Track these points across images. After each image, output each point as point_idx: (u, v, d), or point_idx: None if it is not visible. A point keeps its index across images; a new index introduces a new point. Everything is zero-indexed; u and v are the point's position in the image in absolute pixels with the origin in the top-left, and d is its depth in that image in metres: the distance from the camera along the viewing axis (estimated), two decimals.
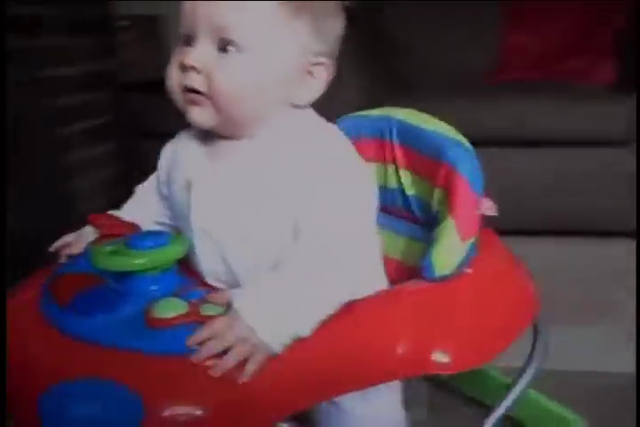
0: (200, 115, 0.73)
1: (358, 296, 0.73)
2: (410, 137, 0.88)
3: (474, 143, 0.84)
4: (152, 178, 0.90)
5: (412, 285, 0.78)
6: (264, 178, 0.74)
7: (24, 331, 0.71)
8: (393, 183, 0.91)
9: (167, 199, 0.86)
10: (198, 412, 0.61)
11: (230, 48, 0.71)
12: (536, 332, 0.91)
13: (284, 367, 0.66)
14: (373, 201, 0.77)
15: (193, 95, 0.72)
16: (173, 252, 0.74)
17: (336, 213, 0.71)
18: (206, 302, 0.69)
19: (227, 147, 0.77)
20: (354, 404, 0.80)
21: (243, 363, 0.64)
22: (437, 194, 0.83)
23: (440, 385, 1.22)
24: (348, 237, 0.71)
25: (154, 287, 0.72)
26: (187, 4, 0.73)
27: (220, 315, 0.66)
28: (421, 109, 0.93)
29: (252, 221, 0.74)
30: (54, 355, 0.67)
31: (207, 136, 0.79)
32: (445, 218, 0.78)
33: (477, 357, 0.77)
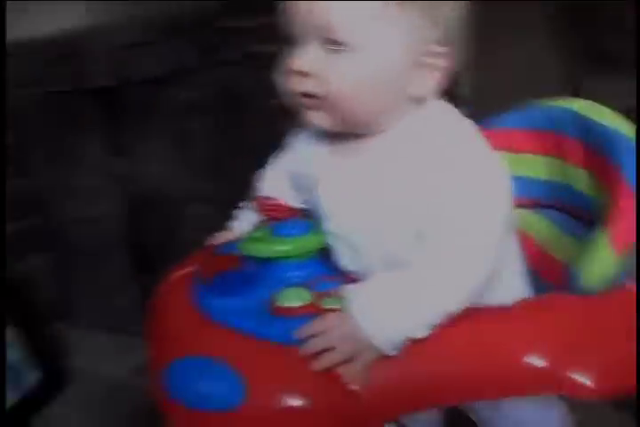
0: (318, 118, 0.72)
1: (486, 300, 0.70)
2: (585, 131, 0.81)
3: None
4: (278, 167, 0.90)
5: (559, 296, 0.73)
6: (392, 175, 0.72)
7: (169, 304, 0.78)
8: (558, 177, 0.86)
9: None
10: (299, 403, 0.63)
11: (339, 48, 0.68)
12: None
13: (397, 368, 0.65)
14: (506, 200, 0.71)
15: (307, 100, 0.70)
16: (314, 241, 0.75)
17: (466, 215, 0.68)
18: (330, 295, 0.70)
19: (353, 144, 0.75)
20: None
21: (349, 362, 0.64)
22: (602, 196, 0.77)
23: None
24: (477, 241, 0.68)
25: (291, 274, 0.74)
26: (287, 5, 0.70)
27: (337, 310, 0.67)
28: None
29: (381, 218, 0.73)
30: (185, 330, 0.72)
31: (329, 133, 0.77)
32: (602, 226, 0.72)
33: (626, 384, 0.70)
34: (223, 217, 1.45)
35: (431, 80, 0.72)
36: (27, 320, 1.25)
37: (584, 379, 0.67)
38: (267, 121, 1.78)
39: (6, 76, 1.27)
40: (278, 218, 0.83)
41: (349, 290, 0.68)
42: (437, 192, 0.69)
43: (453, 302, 0.67)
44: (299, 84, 0.70)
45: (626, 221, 0.71)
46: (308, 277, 0.74)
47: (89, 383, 1.26)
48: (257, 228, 0.82)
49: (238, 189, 1.55)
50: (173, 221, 1.51)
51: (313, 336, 0.65)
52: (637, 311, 0.68)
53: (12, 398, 1.15)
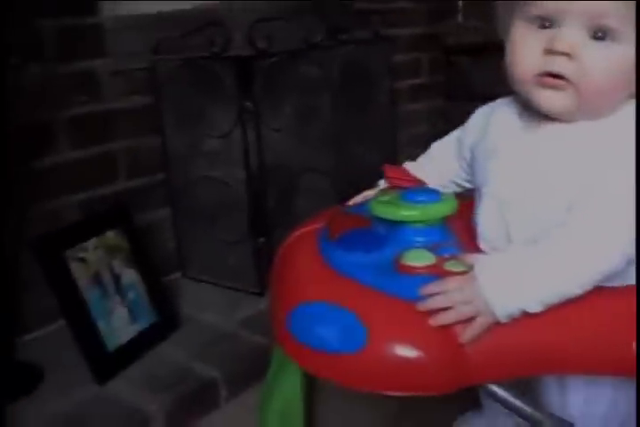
0: (557, 100, 0.72)
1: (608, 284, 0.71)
2: None
3: None
4: (451, 138, 0.93)
5: None
6: (572, 161, 0.73)
7: (297, 254, 0.84)
8: None
9: (466, 160, 0.89)
10: (414, 353, 0.67)
11: (605, 36, 0.69)
12: None
13: (509, 333, 0.69)
14: None
15: (555, 80, 0.71)
16: (441, 209, 0.79)
17: (612, 206, 0.69)
18: (454, 259, 0.74)
19: (550, 126, 0.76)
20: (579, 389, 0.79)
21: (466, 323, 0.68)
22: None
23: None
24: (614, 231, 0.69)
25: (416, 239, 0.78)
26: None
27: (461, 273, 0.71)
28: None
29: (543, 196, 0.75)
30: (310, 279, 0.78)
31: (529, 110, 0.78)
32: None
33: None
34: (336, 190, 1.52)
35: None
36: (147, 266, 1.34)
37: None
38: (389, 103, 1.82)
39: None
40: (403, 186, 0.87)
41: (480, 259, 0.71)
42: (603, 182, 0.70)
43: (576, 286, 0.69)
44: (554, 64, 0.70)
45: None
46: (432, 241, 0.78)
47: (197, 330, 1.34)
48: (384, 192, 0.86)
49: (353, 165, 1.61)
50: (290, 190, 1.58)
51: (436, 294, 0.69)
52: (637, 311, 0.68)
53: (129, 333, 1.25)
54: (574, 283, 0.69)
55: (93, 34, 1.37)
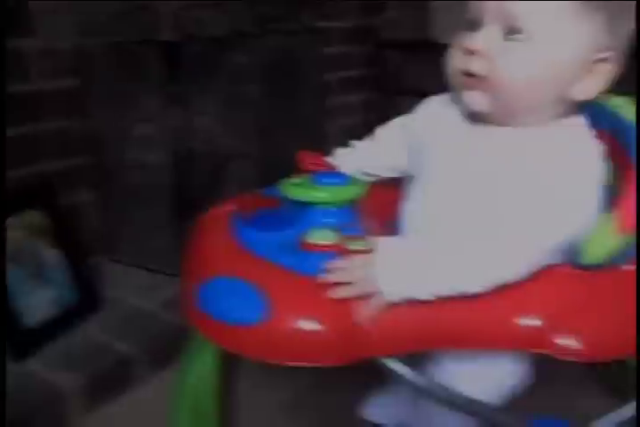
0: (475, 99, 0.75)
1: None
2: (615, 126, 0.85)
3: None
4: (395, 127, 0.95)
5: (562, 268, 0.80)
6: (499, 165, 0.75)
7: (209, 233, 0.87)
8: None
9: (408, 148, 0.91)
10: (314, 326, 0.71)
11: (517, 36, 0.71)
12: None
13: (403, 310, 0.73)
14: (577, 225, 0.74)
15: (471, 80, 0.74)
16: (348, 192, 0.83)
17: (524, 218, 0.71)
18: (357, 239, 0.78)
19: (483, 128, 0.79)
20: (457, 366, 0.84)
21: (365, 299, 0.72)
22: (616, 183, 0.83)
23: None
24: (523, 242, 0.72)
25: (323, 220, 0.82)
26: None
27: (362, 251, 0.74)
28: None
29: (468, 194, 0.77)
30: (220, 256, 0.81)
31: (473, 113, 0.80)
32: (609, 209, 0.78)
33: (612, 350, 0.77)
34: (262, 175, 1.55)
35: (595, 85, 0.74)
36: (72, 247, 1.35)
37: (573, 342, 0.75)
38: (318, 94, 1.86)
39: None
40: (316, 171, 0.91)
41: (382, 242, 0.74)
42: (532, 193, 0.72)
43: (473, 286, 0.72)
44: (468, 63, 0.73)
45: (632, 208, 0.77)
46: (338, 222, 0.82)
47: (118, 311, 1.36)
48: (301, 176, 0.90)
49: (279, 152, 1.64)
50: (217, 175, 1.60)
51: (338, 270, 0.73)
52: (637, 311, 0.73)
53: (49, 312, 1.26)
54: (472, 283, 0.72)
55: (22, 14, 1.36)
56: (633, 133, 0.81)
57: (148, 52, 1.39)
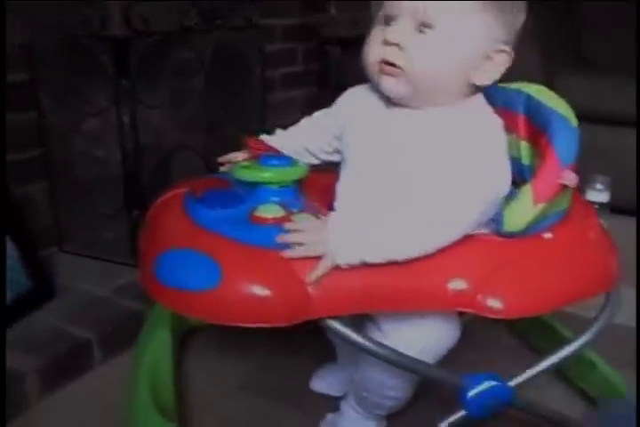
0: (393, 84, 0.85)
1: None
2: (531, 110, 0.95)
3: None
4: (321, 114, 1.05)
5: (486, 236, 0.89)
6: (419, 140, 0.87)
7: (165, 212, 0.93)
8: (514, 152, 0.99)
9: (334, 135, 1.01)
10: (262, 291, 0.78)
11: (427, 29, 0.82)
12: (607, 297, 0.97)
13: (344, 274, 0.81)
14: (495, 192, 0.85)
15: (389, 67, 0.84)
16: (292, 172, 0.91)
17: (456, 183, 0.82)
18: (301, 212, 0.85)
19: (400, 110, 0.90)
20: (393, 327, 0.91)
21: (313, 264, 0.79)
22: (535, 162, 0.92)
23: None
24: (453, 204, 0.82)
25: (270, 198, 0.89)
26: None
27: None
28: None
29: (393, 171, 0.88)
30: (175, 231, 0.88)
31: (387, 97, 0.90)
32: (528, 183, 0.88)
33: (529, 308, 0.87)
34: (207, 167, 1.60)
35: (491, 73, 0.87)
36: (23, 238, 1.38)
37: (495, 302, 0.83)
38: (261, 89, 1.93)
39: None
40: (260, 154, 0.98)
41: (333, 214, 0.84)
42: (445, 168, 0.82)
43: (410, 253, 0.81)
44: (386, 53, 0.84)
45: (547, 180, 0.86)
46: (284, 200, 0.89)
47: (72, 298, 1.39)
48: (246, 160, 0.97)
49: (224, 144, 1.70)
50: (164, 166, 1.65)
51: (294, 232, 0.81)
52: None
53: (7, 299, 1.29)
54: (414, 249, 0.81)
55: None
56: (549, 114, 0.91)
57: (98, 48, 1.44)
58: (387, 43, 0.84)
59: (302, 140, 1.06)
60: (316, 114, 1.06)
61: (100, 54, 1.44)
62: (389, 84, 0.86)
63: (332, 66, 2.29)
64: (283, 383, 1.24)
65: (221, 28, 1.69)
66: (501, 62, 0.86)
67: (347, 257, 0.80)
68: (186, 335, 1.34)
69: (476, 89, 0.89)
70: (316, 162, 1.06)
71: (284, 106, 2.22)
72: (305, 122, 1.08)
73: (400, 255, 0.81)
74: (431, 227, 0.82)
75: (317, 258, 0.80)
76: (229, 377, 1.26)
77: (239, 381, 1.26)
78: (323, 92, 2.33)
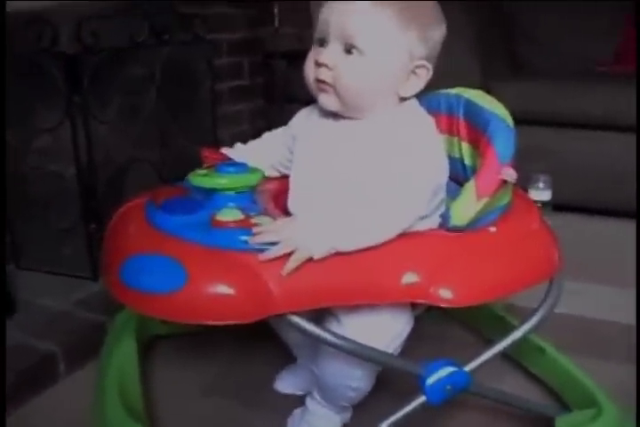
0: (327, 100, 0.95)
1: None
2: (471, 113, 1.02)
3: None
4: (280, 130, 1.13)
5: (434, 231, 0.95)
6: (359, 147, 0.95)
7: (127, 221, 0.97)
8: (456, 153, 1.07)
9: (290, 149, 1.08)
10: (226, 290, 0.82)
11: (354, 51, 0.92)
12: (550, 285, 1.03)
13: (301, 272, 0.84)
14: (432, 180, 0.94)
15: (322, 85, 0.94)
16: (248, 178, 0.96)
17: (398, 176, 0.90)
18: (260, 215, 0.90)
19: (341, 122, 0.99)
20: (352, 320, 0.95)
21: (275, 262, 0.84)
22: (477, 162, 0.99)
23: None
24: (403, 196, 0.89)
25: (228, 204, 0.93)
26: (323, 15, 0.95)
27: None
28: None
29: (336, 176, 0.96)
30: (139, 237, 0.91)
31: (327, 113, 1.00)
32: (471, 180, 0.94)
33: (477, 297, 0.92)
34: (161, 179, 1.63)
35: (415, 86, 0.97)
36: None
37: (447, 293, 0.89)
38: (211, 102, 1.96)
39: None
40: (214, 164, 1.02)
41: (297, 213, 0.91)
42: (386, 165, 0.90)
43: (376, 238, 0.88)
44: (318, 73, 0.94)
45: (488, 176, 0.93)
46: (241, 205, 0.93)
47: (34, 312, 1.40)
48: (203, 168, 1.01)
49: (177, 157, 1.73)
50: (119, 180, 1.67)
51: (265, 233, 0.85)
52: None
53: None
54: (378, 234, 0.88)
55: None
56: (487, 116, 0.98)
57: (49, 64, 1.46)
58: (317, 63, 0.94)
59: (263, 155, 1.13)
60: (276, 130, 1.15)
61: (51, 70, 1.46)
62: (324, 99, 0.96)
63: (278, 79, 2.34)
64: (247, 386, 1.27)
65: (170, 43, 1.72)
66: (424, 76, 0.96)
67: (321, 248, 0.84)
68: (149, 344, 1.36)
69: (405, 98, 0.98)
70: (275, 174, 1.14)
71: (232, 118, 2.27)
72: (266, 136, 1.16)
73: (367, 241, 0.87)
74: (389, 212, 0.89)
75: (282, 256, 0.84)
76: (194, 383, 1.28)
77: (204, 385, 1.28)
78: (269, 104, 2.38)
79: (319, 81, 0.94)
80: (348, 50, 0.92)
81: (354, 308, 0.93)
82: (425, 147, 0.95)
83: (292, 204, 1.02)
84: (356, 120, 0.98)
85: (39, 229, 1.59)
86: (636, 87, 1.92)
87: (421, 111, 1.00)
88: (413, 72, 0.95)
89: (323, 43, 0.94)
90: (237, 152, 1.13)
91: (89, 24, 1.48)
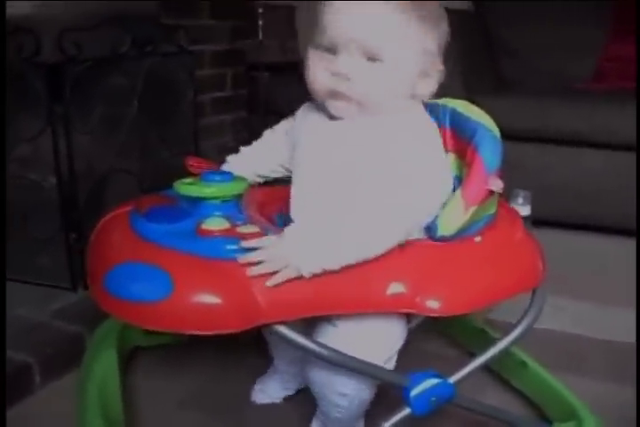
0: (344, 109, 0.92)
1: None
2: (457, 123, 1.02)
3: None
4: (280, 129, 1.10)
5: (421, 241, 0.95)
6: (362, 149, 0.91)
7: (112, 229, 0.95)
8: None
9: (289, 150, 1.05)
10: (213, 300, 0.81)
11: (375, 59, 0.88)
12: (533, 296, 1.03)
13: (288, 283, 0.84)
14: (433, 188, 0.93)
15: (340, 95, 0.90)
16: (233, 187, 0.95)
17: (394, 190, 0.88)
18: (246, 224, 0.89)
19: (345, 124, 0.95)
20: (348, 326, 0.95)
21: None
22: (463, 172, 0.99)
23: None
24: (396, 212, 0.87)
25: (213, 212, 0.92)
26: (330, 18, 0.90)
27: (253, 234, 0.87)
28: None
29: (335, 177, 0.93)
30: (124, 246, 0.90)
31: (326, 111, 0.96)
32: (458, 190, 0.94)
33: (464, 306, 0.93)
34: (142, 190, 1.62)
35: (430, 85, 0.95)
36: None
37: (433, 302, 0.89)
38: (193, 113, 1.96)
39: None
40: (199, 172, 1.02)
41: (288, 228, 0.87)
42: (386, 165, 0.88)
43: (363, 255, 0.86)
44: (336, 84, 0.90)
45: (475, 186, 0.93)
46: (227, 214, 0.93)
47: (11, 322, 1.37)
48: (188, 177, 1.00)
49: (158, 168, 1.72)
50: (100, 190, 1.65)
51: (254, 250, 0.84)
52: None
53: None
54: (366, 252, 0.86)
55: None
56: (473, 126, 0.98)
57: (31, 73, 1.44)
58: (334, 73, 0.90)
59: (254, 166, 1.12)
60: (276, 128, 1.11)
61: (33, 80, 1.45)
62: (340, 107, 0.92)
63: (260, 91, 2.35)
64: (227, 399, 1.26)
65: (152, 54, 1.72)
66: (437, 74, 0.95)
67: (310, 267, 0.83)
68: (130, 355, 1.35)
69: (416, 100, 0.97)
70: (261, 180, 1.13)
71: (214, 129, 2.27)
72: (257, 144, 1.13)
73: (357, 259, 0.86)
74: (380, 231, 0.87)
75: None
76: (176, 395, 1.27)
77: (186, 397, 1.27)
78: (252, 116, 2.39)
79: (335, 91, 0.91)
80: (370, 58, 0.89)
81: (344, 318, 0.93)
82: (431, 155, 0.94)
83: (293, 211, 1.01)
84: (356, 122, 0.94)
85: (18, 238, 1.57)
86: (636, 102, 1.95)
87: (426, 116, 0.99)
88: (429, 73, 0.93)
89: (333, 49, 0.90)
90: (234, 166, 1.10)
91: (71, 34, 1.47)
